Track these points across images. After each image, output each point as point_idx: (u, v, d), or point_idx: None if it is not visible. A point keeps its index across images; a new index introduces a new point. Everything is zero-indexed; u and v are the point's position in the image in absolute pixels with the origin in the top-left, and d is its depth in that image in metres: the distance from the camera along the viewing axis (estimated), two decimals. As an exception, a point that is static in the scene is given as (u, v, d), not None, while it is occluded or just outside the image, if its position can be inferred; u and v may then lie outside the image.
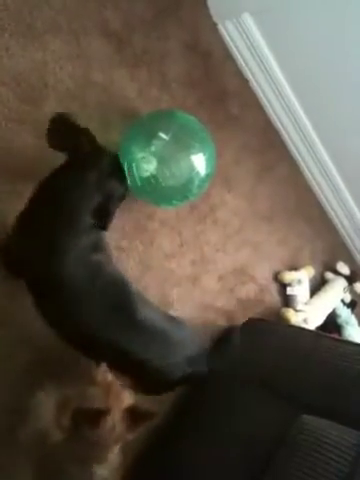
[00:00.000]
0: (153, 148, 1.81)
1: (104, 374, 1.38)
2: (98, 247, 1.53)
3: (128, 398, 1.37)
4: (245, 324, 2.30)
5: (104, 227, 1.55)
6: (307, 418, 1.70)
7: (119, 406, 1.33)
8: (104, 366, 1.41)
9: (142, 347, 1.55)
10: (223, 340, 2.26)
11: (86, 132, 1.53)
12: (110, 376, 1.39)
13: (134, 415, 1.35)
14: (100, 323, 1.50)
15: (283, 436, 1.67)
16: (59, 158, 1.78)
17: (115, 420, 1.31)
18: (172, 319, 1.71)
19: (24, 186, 1.74)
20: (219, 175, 2.31)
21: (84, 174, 1.49)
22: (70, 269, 1.45)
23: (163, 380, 1.64)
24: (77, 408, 1.29)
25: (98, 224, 1.52)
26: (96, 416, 1.26)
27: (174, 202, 2.01)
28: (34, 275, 1.51)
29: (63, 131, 1.54)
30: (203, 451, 1.84)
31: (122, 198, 1.61)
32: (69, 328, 1.53)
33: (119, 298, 1.54)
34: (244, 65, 2.51)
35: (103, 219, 1.54)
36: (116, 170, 1.57)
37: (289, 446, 1.64)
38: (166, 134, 1.81)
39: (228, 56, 2.47)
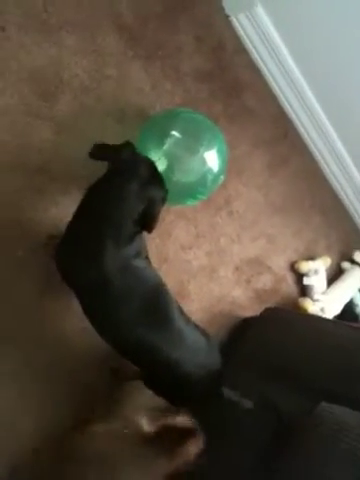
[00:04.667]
0: (166, 147, 1.81)
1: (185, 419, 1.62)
2: (140, 253, 1.59)
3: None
4: (263, 314, 2.31)
5: (149, 230, 1.61)
6: (326, 405, 1.71)
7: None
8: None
9: (174, 347, 1.59)
10: (241, 330, 2.29)
11: (125, 144, 1.60)
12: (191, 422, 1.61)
13: None
14: (139, 326, 1.55)
15: (302, 423, 1.69)
16: (77, 153, 1.83)
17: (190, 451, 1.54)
18: (202, 330, 1.73)
19: (41, 181, 1.79)
20: (234, 167, 2.33)
21: (125, 185, 1.53)
22: (113, 277, 1.51)
23: (188, 386, 1.65)
24: (170, 423, 1.56)
25: (143, 229, 1.59)
26: (187, 434, 1.52)
27: (188, 200, 2.02)
28: (81, 283, 1.57)
29: (105, 146, 1.63)
30: (221, 442, 1.86)
31: (163, 201, 1.65)
32: (112, 331, 1.59)
33: (157, 302, 1.59)
34: (257, 57, 2.50)
35: (148, 224, 1.59)
36: (154, 175, 1.61)
37: (308, 433, 1.65)
38: (177, 132, 1.82)
39: (241, 48, 2.46)
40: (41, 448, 1.75)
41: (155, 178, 1.60)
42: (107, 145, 1.62)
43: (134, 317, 1.54)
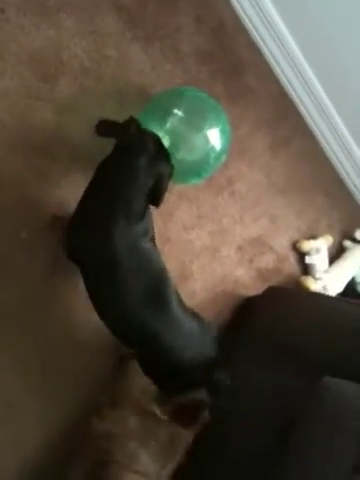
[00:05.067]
0: (168, 125, 1.82)
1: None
2: (148, 232, 1.60)
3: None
4: (266, 293, 2.33)
5: (157, 204, 1.61)
6: (329, 379, 1.73)
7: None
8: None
9: (172, 333, 1.59)
10: (244, 309, 2.30)
11: (130, 120, 1.60)
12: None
13: None
14: (143, 309, 1.55)
15: (305, 398, 1.71)
16: (79, 133, 1.84)
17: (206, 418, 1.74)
18: (199, 317, 1.73)
19: (43, 162, 1.80)
20: (235, 148, 2.32)
21: (134, 160, 1.53)
22: (122, 256, 1.51)
23: (184, 373, 1.65)
24: (180, 403, 1.71)
25: (151, 203, 1.59)
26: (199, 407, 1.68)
27: (193, 179, 2.03)
28: (90, 262, 1.57)
29: (110, 122, 1.63)
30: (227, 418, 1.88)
31: (170, 176, 1.65)
32: (116, 314, 1.59)
33: (159, 287, 1.60)
34: (257, 37, 2.49)
35: (156, 199, 1.59)
36: (161, 150, 1.61)
37: (312, 407, 1.67)
38: (180, 110, 1.82)
39: (241, 28, 2.44)
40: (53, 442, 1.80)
41: (162, 153, 1.60)
42: (111, 121, 1.63)
43: (139, 301, 1.54)
